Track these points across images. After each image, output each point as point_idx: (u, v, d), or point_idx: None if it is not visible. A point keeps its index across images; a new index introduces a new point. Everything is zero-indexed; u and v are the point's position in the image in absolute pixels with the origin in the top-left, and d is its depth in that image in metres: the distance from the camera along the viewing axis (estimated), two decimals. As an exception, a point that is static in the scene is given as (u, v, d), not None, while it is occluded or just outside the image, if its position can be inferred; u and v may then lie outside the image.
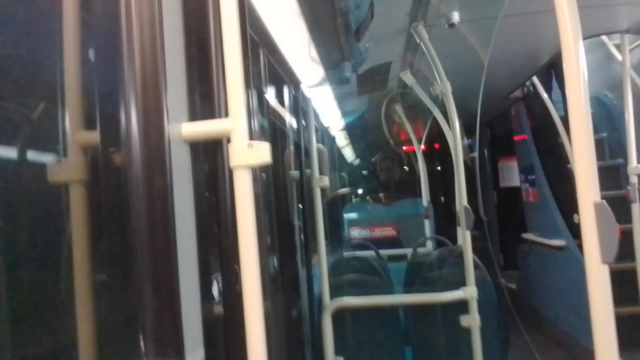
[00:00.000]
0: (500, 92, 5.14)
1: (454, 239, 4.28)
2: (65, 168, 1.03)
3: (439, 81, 2.73)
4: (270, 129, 2.48)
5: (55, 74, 1.07)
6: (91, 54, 1.07)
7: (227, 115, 1.04)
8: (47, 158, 1.04)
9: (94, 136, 1.01)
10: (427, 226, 5.39)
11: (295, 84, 2.64)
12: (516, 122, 5.89)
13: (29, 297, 1.15)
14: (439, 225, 5.90)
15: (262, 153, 1.02)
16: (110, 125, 0.98)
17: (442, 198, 7.59)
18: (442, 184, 7.60)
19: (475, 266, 2.73)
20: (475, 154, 5.96)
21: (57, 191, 1.09)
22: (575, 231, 4.22)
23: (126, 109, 0.93)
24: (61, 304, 1.19)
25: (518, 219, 6.29)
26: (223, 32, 1.05)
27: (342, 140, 6.95)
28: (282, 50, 2.16)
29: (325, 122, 4.72)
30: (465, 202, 2.72)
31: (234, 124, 1.02)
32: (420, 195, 5.70)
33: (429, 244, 4.98)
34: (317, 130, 3.37)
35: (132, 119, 0.93)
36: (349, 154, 8.23)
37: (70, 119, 1.05)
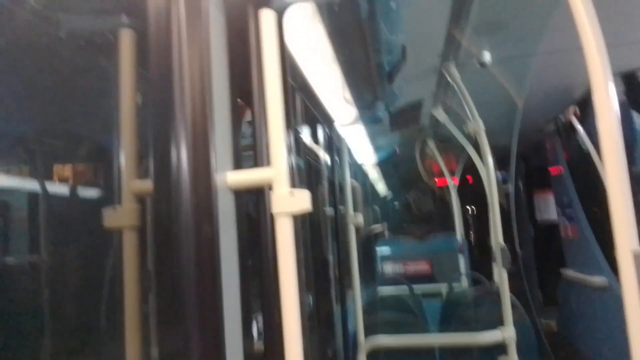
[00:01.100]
0: (534, 124, 5.10)
1: (489, 274, 4.20)
2: (119, 215, 1.10)
3: (471, 119, 2.75)
4: (306, 167, 2.54)
5: (112, 126, 1.15)
6: (145, 106, 1.15)
7: (269, 163, 1.10)
8: (104, 204, 1.11)
9: (147, 185, 1.08)
10: (462, 261, 5.30)
11: (329, 123, 2.71)
12: (551, 154, 5.80)
13: (82, 332, 1.20)
14: (473, 260, 5.80)
15: (302, 201, 1.07)
16: (162, 174, 1.04)
17: (476, 232, 7.46)
18: (476, 217, 7.49)
19: (513, 305, 2.67)
20: (510, 187, 5.87)
21: (112, 235, 1.16)
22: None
23: (177, 158, 1.00)
24: (112, 343, 1.24)
25: (556, 253, 6.11)
26: (265, 84, 1.11)
27: (374, 175, 6.98)
28: (317, 92, 2.23)
29: (358, 157, 4.77)
30: (501, 239, 2.69)
31: (276, 173, 1.08)
32: (453, 230, 5.64)
33: (464, 280, 4.90)
34: (350, 165, 3.42)
35: (182, 168, 1.00)
36: (381, 188, 8.23)
37: (125, 169, 1.13)
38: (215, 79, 1.05)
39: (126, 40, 1.15)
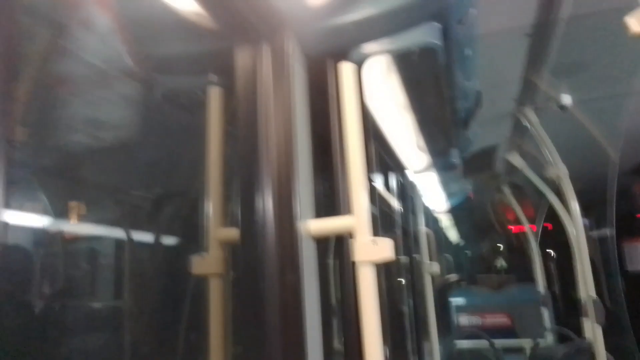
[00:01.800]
0: (621, 169, 4.80)
1: (575, 329, 3.89)
2: (207, 262, 1.14)
3: (552, 164, 2.63)
4: (380, 215, 2.52)
5: (201, 178, 1.21)
6: (232, 160, 1.21)
7: (350, 211, 1.10)
8: (192, 251, 1.16)
9: (233, 233, 1.12)
10: (545, 315, 4.95)
11: (401, 170, 2.70)
12: (640, 199, 5.42)
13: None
14: (557, 313, 5.39)
15: (385, 249, 1.06)
16: (248, 223, 1.08)
17: (560, 284, 6.99)
18: (558, 267, 7.03)
19: (610, 364, 2.44)
20: (595, 234, 5.50)
21: (194, 281, 1.20)
22: None
23: (263, 208, 1.03)
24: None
25: (653, 308, 5.57)
26: (346, 134, 1.14)
27: (446, 221, 6.79)
28: (390, 140, 2.24)
29: (430, 204, 4.68)
30: (592, 291, 2.49)
31: (358, 221, 1.08)
32: (532, 280, 5.31)
33: (549, 335, 4.55)
34: (422, 212, 3.35)
35: (267, 217, 1.03)
36: (453, 235, 7.98)
37: (212, 218, 1.17)
38: (298, 130, 1.09)
39: (214, 97, 1.23)
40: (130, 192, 1.95)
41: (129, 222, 2.10)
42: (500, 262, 7.57)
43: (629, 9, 1.05)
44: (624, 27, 1.06)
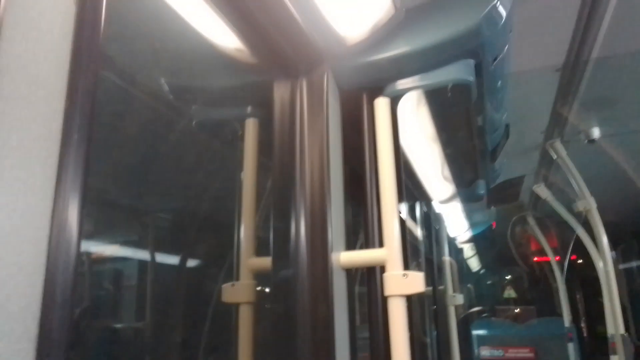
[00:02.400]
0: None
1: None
2: (237, 291, 1.15)
3: (580, 196, 2.60)
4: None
5: (234, 209, 1.24)
6: (266, 189, 1.23)
7: (381, 245, 1.11)
8: (224, 280, 1.17)
9: (265, 262, 1.14)
10: (572, 350, 4.81)
11: (427, 200, 2.69)
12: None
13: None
14: (583, 349, 5.24)
15: (416, 283, 1.06)
16: (281, 252, 1.09)
17: (586, 318, 6.79)
18: (584, 300, 6.85)
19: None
20: (624, 267, 5.36)
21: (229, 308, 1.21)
22: None
23: (295, 238, 1.05)
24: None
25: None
26: (379, 167, 1.15)
27: (468, 251, 6.70)
28: (417, 170, 2.25)
29: (453, 233, 4.64)
30: (621, 328, 2.43)
31: (389, 254, 1.08)
32: (556, 314, 5.18)
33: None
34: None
35: (300, 247, 1.05)
36: (475, 264, 7.86)
37: (244, 246, 1.19)
38: (332, 162, 1.11)
39: (251, 128, 1.26)
40: (165, 218, 1.99)
41: (164, 249, 2.14)
42: (509, 293, 7.41)
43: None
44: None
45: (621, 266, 5.70)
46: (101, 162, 1.79)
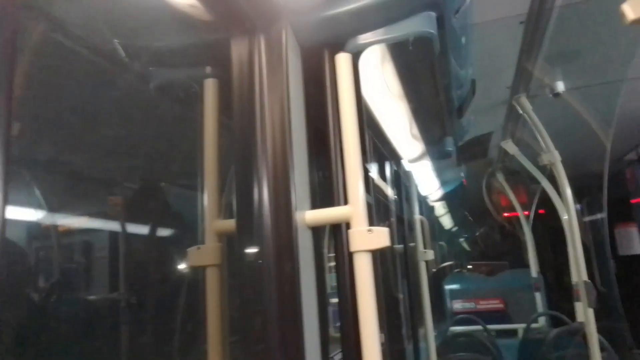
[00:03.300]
0: (613, 154, 4.84)
1: (567, 313, 3.95)
2: (203, 254, 1.15)
3: (545, 150, 2.65)
4: (375, 204, 2.53)
5: (196, 170, 1.22)
6: (228, 151, 1.21)
7: (346, 201, 1.11)
8: (188, 244, 1.16)
9: (229, 224, 1.13)
10: (539, 300, 5.01)
11: (397, 159, 2.71)
12: (632, 184, 5.47)
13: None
14: (550, 298, 5.47)
15: (381, 238, 1.07)
16: (245, 214, 1.09)
17: (553, 268, 7.06)
18: (550, 251, 7.10)
19: (602, 348, 2.48)
20: (588, 219, 5.56)
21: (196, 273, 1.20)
22: None
23: (259, 199, 1.04)
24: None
25: (643, 290, 5.66)
26: (342, 125, 1.14)
27: (440, 209, 6.83)
28: (385, 129, 2.25)
29: (424, 191, 4.70)
30: (584, 275, 2.53)
31: (354, 211, 1.09)
32: (525, 265, 5.37)
33: (542, 320, 4.62)
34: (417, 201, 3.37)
35: (264, 208, 1.04)
36: (447, 222, 8.04)
37: (208, 210, 1.18)
38: (294, 121, 1.10)
39: (210, 89, 1.23)
40: (124, 185, 1.95)
41: (123, 215, 2.11)
42: (495, 248, 7.63)
43: (623, -4, 1.05)
44: (617, 15, 1.07)
45: (586, 218, 5.90)
46: (59, 132, 1.73)
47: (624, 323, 5.96)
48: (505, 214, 6.88)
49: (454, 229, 8.75)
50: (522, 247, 5.73)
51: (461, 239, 9.10)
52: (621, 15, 1.04)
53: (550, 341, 3.28)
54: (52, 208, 1.92)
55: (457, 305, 5.61)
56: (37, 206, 2.01)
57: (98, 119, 1.54)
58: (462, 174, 5.00)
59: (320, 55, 1.19)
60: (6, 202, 0.47)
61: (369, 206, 1.16)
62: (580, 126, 3.10)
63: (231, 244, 1.17)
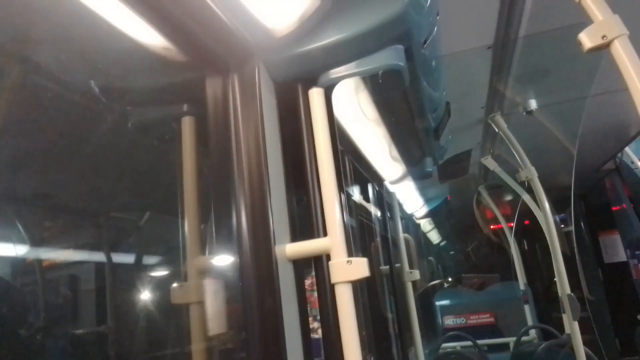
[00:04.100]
0: (591, 165, 4.95)
1: (557, 324, 3.98)
2: (186, 291, 1.15)
3: (522, 166, 2.71)
4: (358, 226, 2.55)
5: (177, 208, 1.23)
6: (208, 187, 1.23)
7: (325, 233, 1.13)
8: (171, 281, 1.17)
9: (211, 260, 1.14)
10: (528, 312, 5.04)
11: (378, 181, 2.74)
12: (612, 193, 5.58)
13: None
14: (539, 309, 5.50)
15: (360, 269, 1.09)
16: (224, 250, 1.10)
17: (542, 279, 7.11)
18: (536, 262, 7.16)
19: (589, 358, 2.51)
20: (571, 229, 5.63)
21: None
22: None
23: (238, 234, 1.06)
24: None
25: (630, 297, 5.72)
26: (318, 157, 1.17)
27: (427, 226, 6.87)
28: (365, 154, 2.29)
29: (409, 210, 4.75)
30: (567, 289, 2.56)
31: (333, 242, 1.10)
32: (514, 278, 5.41)
33: (533, 332, 4.64)
34: (401, 219, 3.40)
35: (243, 243, 1.05)
36: (435, 237, 8.08)
37: (190, 246, 1.19)
38: (270, 155, 1.12)
39: (187, 126, 1.25)
40: (107, 220, 1.95)
41: (106, 249, 2.10)
42: (482, 262, 7.67)
43: (580, 26, 1.11)
44: (577, 43, 1.12)
45: (567, 229, 5.97)
46: (45, 167, 1.74)
47: (611, 331, 6.01)
48: (492, 227, 6.95)
49: (442, 243, 8.79)
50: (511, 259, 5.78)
51: (451, 252, 9.13)
52: (579, 43, 1.09)
53: (540, 355, 3.30)
54: (34, 242, 1.91)
55: (449, 321, 5.61)
56: (20, 241, 2.00)
57: (77, 156, 1.55)
58: (446, 191, 5.07)
59: (294, 90, 1.22)
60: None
61: (347, 236, 1.18)
62: (556, 140, 3.18)
63: (213, 279, 1.18)
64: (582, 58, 1.91)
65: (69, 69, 1.31)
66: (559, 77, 2.40)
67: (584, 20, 1.11)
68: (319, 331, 1.09)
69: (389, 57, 1.18)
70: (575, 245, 5.09)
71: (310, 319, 1.13)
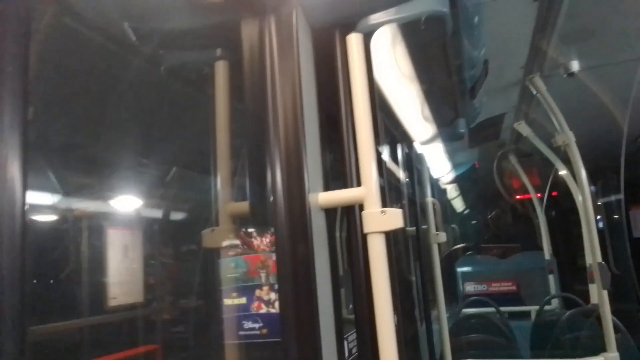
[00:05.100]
0: (629, 135, 4.76)
1: (581, 295, 3.94)
2: (217, 236, 1.15)
3: (559, 131, 2.62)
4: (387, 186, 2.52)
5: (209, 154, 1.22)
6: (241, 134, 1.21)
7: (359, 183, 1.11)
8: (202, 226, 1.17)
9: (243, 206, 1.13)
10: (552, 282, 4.99)
11: (408, 142, 2.69)
12: (648, 166, 5.39)
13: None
14: (563, 280, 5.44)
15: (394, 219, 1.07)
16: (258, 196, 1.09)
17: (566, 250, 7.01)
18: (563, 234, 7.05)
19: (617, 329, 2.47)
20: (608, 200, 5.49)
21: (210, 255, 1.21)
22: None
23: (272, 182, 1.04)
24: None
25: (658, 273, 5.61)
26: (354, 106, 1.13)
27: (452, 192, 6.80)
28: (396, 111, 2.23)
29: (436, 174, 4.68)
30: (599, 257, 2.51)
31: (367, 192, 1.09)
32: (539, 248, 5.34)
33: (555, 302, 4.61)
34: (429, 183, 3.36)
35: (277, 191, 1.04)
36: (459, 204, 8.00)
37: (221, 192, 1.19)
38: (305, 103, 1.09)
39: (221, 71, 1.23)
40: (138, 167, 1.96)
41: (149, 201, 2.14)
42: (506, 231, 7.59)
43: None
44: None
45: (601, 200, 5.84)
46: (75, 116, 1.74)
47: (636, 305, 5.92)
48: (518, 197, 6.83)
49: (466, 211, 8.71)
50: (535, 229, 5.69)
51: (473, 222, 9.05)
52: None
53: (563, 323, 3.27)
54: (67, 192, 1.95)
55: (470, 287, 5.61)
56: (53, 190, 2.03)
57: (109, 101, 1.55)
58: (475, 157, 4.97)
59: (331, 36, 1.18)
60: (26, 186, 0.48)
61: (382, 188, 1.16)
62: (596, 106, 3.05)
63: (245, 226, 1.17)
64: (634, 14, 1.80)
65: (102, 10, 1.29)
66: (609, 36, 2.27)
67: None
68: (276, 304, 1.04)
69: (433, 3, 1.13)
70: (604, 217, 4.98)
71: (266, 288, 1.06)
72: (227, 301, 1.05)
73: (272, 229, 1.03)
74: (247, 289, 1.05)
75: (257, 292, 1.04)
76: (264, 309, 1.04)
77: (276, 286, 1.02)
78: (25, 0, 0.49)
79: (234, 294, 1.05)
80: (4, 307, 0.41)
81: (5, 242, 0.42)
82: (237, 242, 1.08)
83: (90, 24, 1.38)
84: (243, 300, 1.05)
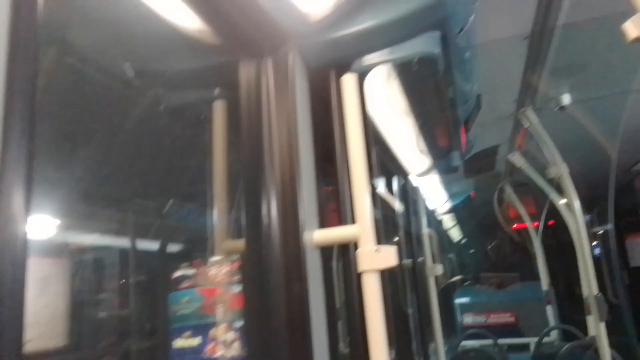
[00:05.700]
0: (621, 165, 4.81)
1: (579, 325, 3.91)
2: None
3: (553, 163, 2.65)
4: (382, 219, 2.53)
5: (206, 190, 1.23)
6: (237, 171, 1.23)
7: (354, 221, 1.12)
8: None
9: (239, 244, 1.14)
10: (550, 313, 4.95)
11: (404, 174, 2.72)
12: (643, 195, 5.43)
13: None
14: (562, 310, 5.40)
15: (388, 257, 1.08)
16: (253, 234, 1.10)
17: (563, 281, 6.98)
18: (561, 263, 7.03)
19: (615, 362, 2.45)
20: (599, 230, 5.51)
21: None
22: None
23: (267, 219, 1.05)
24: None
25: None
26: (348, 144, 1.15)
27: (448, 222, 6.80)
28: (391, 145, 2.26)
29: (432, 205, 4.70)
30: (595, 289, 2.51)
31: (361, 230, 1.09)
32: (536, 278, 5.32)
33: (554, 333, 4.56)
34: (425, 214, 3.37)
35: (272, 229, 1.05)
36: (456, 234, 7.99)
37: (217, 229, 1.19)
38: (301, 141, 1.11)
39: (219, 110, 1.25)
40: (136, 203, 1.97)
41: (135, 232, 2.12)
42: (503, 261, 7.57)
43: (625, 15, 1.07)
44: (621, 33, 1.08)
45: (595, 230, 5.84)
46: (74, 152, 1.76)
47: (636, 336, 5.86)
48: (515, 226, 6.84)
49: (463, 241, 8.69)
50: (533, 259, 5.68)
51: (471, 251, 9.03)
52: (623, 33, 1.05)
53: (562, 356, 3.24)
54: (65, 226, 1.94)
55: (468, 319, 5.56)
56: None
57: (109, 138, 1.57)
58: (471, 187, 5.00)
59: (326, 76, 1.21)
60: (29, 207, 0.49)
61: (377, 223, 1.17)
62: (587, 138, 3.10)
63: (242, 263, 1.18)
64: (625, 49, 1.84)
65: (104, 52, 1.32)
66: (598, 70, 2.33)
67: (627, 10, 1.07)
68: (234, 346, 0.98)
69: (425, 44, 1.16)
70: (601, 247, 4.98)
71: (222, 327, 0.99)
72: (177, 342, 0.99)
73: (235, 257, 1.04)
74: (200, 327, 0.98)
75: (212, 332, 0.97)
76: (219, 352, 0.96)
77: (235, 324, 0.98)
78: (33, 38, 0.51)
79: (186, 334, 0.99)
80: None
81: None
82: (191, 271, 1.08)
83: (92, 64, 1.41)
84: (195, 341, 0.98)
